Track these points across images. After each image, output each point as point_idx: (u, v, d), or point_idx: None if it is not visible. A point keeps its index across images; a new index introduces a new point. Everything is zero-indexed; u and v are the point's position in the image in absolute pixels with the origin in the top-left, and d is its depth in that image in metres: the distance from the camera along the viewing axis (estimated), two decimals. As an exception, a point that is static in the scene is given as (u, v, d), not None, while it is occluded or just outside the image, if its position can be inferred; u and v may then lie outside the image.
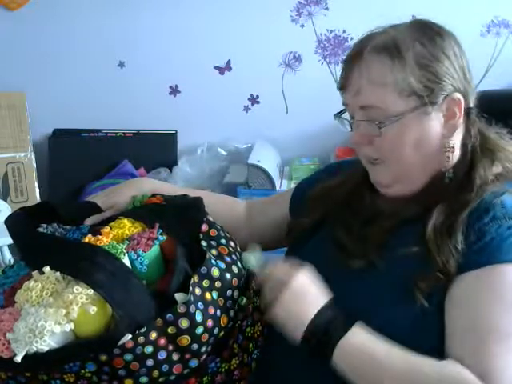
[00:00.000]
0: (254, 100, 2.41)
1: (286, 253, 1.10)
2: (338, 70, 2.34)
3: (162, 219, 0.95)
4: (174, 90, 2.41)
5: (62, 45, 2.35)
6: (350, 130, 0.97)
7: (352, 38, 2.31)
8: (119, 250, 0.86)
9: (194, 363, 0.85)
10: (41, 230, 0.97)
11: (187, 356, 0.84)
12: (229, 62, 2.37)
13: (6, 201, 2.10)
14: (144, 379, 0.82)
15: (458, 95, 0.91)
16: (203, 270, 0.87)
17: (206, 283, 0.87)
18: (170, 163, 2.36)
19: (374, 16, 2.30)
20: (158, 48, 2.35)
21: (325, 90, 2.37)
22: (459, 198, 0.91)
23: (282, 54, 2.35)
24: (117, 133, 2.41)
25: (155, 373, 0.82)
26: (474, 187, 0.90)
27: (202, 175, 2.29)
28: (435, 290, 0.86)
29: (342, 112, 1.00)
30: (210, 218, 0.99)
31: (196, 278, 0.86)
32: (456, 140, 0.94)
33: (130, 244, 0.90)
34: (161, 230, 0.93)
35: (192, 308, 0.83)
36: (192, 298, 0.83)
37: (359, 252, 0.93)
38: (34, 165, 2.22)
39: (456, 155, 0.94)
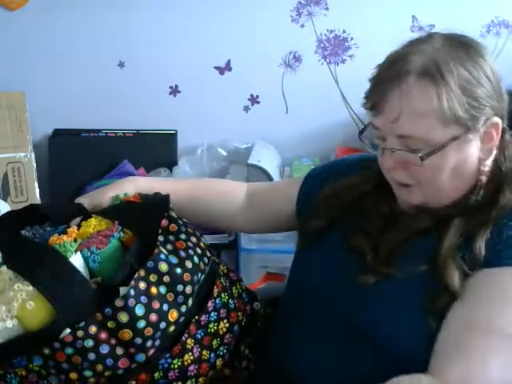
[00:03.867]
0: (254, 100, 2.41)
1: (297, 256, 1.10)
2: (338, 70, 2.34)
3: (126, 216, 0.97)
4: (174, 90, 2.41)
5: (62, 45, 2.34)
6: (377, 152, 0.94)
7: (352, 38, 2.31)
8: (67, 248, 0.89)
9: (140, 357, 0.86)
10: (23, 232, 1.00)
11: (132, 350, 0.85)
12: (229, 61, 2.37)
13: (6, 201, 2.10)
14: (88, 373, 0.83)
15: (496, 119, 0.88)
16: (150, 264, 0.88)
17: (153, 277, 0.88)
18: (170, 163, 2.36)
19: (373, 16, 2.31)
20: (157, 48, 2.35)
21: (325, 90, 2.38)
22: (478, 218, 0.89)
23: (282, 54, 2.35)
24: (117, 133, 2.40)
25: (99, 367, 0.83)
26: (496, 208, 0.88)
27: (202, 175, 2.29)
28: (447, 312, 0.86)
29: (364, 130, 0.96)
30: (173, 214, 1.00)
31: (142, 273, 0.87)
32: (489, 162, 0.92)
33: (85, 242, 0.92)
34: (120, 227, 0.95)
35: (131, 302, 0.83)
36: (132, 292, 0.84)
37: (374, 264, 0.92)
38: (34, 165, 2.21)
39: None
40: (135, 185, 1.13)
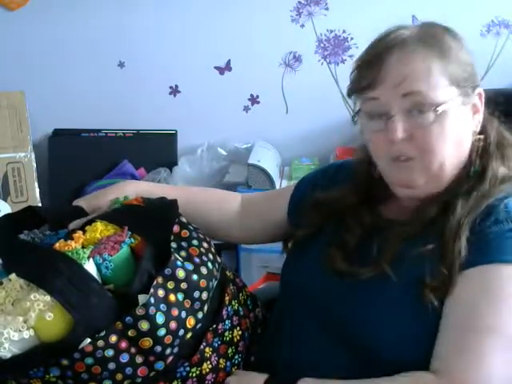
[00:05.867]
0: (254, 100, 2.41)
1: (285, 264, 1.10)
2: (338, 70, 2.34)
3: (134, 221, 0.95)
4: (174, 90, 2.41)
5: (62, 45, 2.35)
6: (377, 128, 0.92)
7: (352, 38, 2.31)
8: (81, 255, 0.86)
9: (159, 365, 0.85)
10: (22, 236, 0.97)
11: (151, 358, 0.84)
12: (229, 61, 2.37)
13: (6, 201, 2.10)
14: (107, 382, 0.82)
15: (481, 89, 0.92)
16: (167, 271, 0.87)
17: (170, 285, 0.87)
18: (170, 163, 2.36)
19: (373, 16, 2.32)
20: (157, 48, 2.35)
21: (325, 90, 2.38)
22: (478, 190, 0.90)
23: (282, 54, 2.35)
24: (117, 133, 2.40)
25: (119, 376, 0.82)
26: (487, 181, 0.90)
27: (201, 175, 2.29)
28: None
29: (357, 113, 0.97)
30: (183, 219, 0.98)
31: (160, 280, 0.86)
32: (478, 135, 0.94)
33: (96, 248, 0.90)
34: (130, 233, 0.92)
35: (152, 310, 0.82)
36: (152, 300, 0.83)
37: (364, 265, 0.91)
38: (34, 165, 2.21)
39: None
40: (136, 188, 1.11)
